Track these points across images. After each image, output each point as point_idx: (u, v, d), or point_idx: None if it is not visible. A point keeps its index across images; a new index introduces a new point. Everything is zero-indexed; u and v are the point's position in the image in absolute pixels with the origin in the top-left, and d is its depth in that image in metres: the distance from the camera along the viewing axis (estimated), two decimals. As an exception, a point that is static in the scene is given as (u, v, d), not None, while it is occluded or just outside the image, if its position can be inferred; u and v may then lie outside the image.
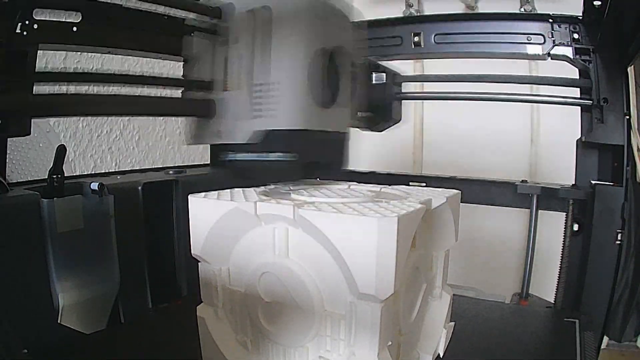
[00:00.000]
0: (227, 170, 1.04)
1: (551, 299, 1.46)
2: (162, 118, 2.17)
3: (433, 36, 1.58)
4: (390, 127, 1.63)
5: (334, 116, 1.00)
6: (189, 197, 0.82)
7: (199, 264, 0.83)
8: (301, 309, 0.72)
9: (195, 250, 0.81)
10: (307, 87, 0.92)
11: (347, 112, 1.06)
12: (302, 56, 0.92)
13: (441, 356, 0.94)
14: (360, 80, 1.23)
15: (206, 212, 0.79)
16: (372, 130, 1.54)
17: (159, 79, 1.10)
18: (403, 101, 1.66)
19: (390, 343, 0.71)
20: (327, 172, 1.09)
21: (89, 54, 1.64)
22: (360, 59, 1.12)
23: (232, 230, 0.78)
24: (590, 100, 1.40)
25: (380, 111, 1.58)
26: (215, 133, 1.01)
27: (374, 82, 1.54)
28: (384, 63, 1.59)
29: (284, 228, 0.73)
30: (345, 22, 1.04)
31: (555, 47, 1.45)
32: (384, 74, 1.54)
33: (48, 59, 1.35)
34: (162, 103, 0.97)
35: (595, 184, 1.39)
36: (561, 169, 1.69)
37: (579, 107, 1.46)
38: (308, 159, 0.97)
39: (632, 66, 1.33)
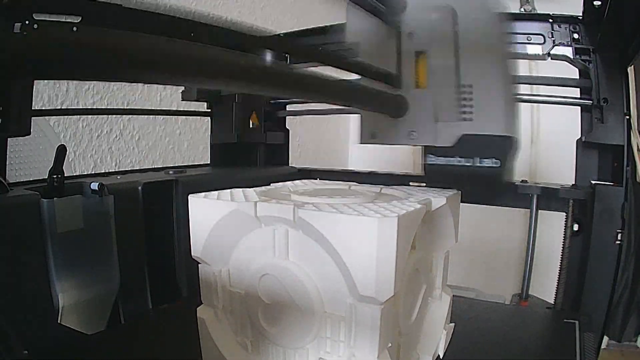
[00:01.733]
0: (434, 175, 0.98)
1: (551, 299, 1.46)
2: (162, 117, 2.18)
3: (433, 36, 1.58)
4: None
5: (516, 123, 0.97)
6: (189, 197, 0.82)
7: (199, 265, 0.83)
8: (301, 311, 0.72)
9: (196, 252, 0.81)
10: (507, 91, 0.90)
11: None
12: (503, 59, 0.91)
13: (441, 357, 0.94)
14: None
15: (206, 213, 0.79)
16: None
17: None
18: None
19: (390, 344, 0.71)
20: (509, 177, 1.00)
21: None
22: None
23: (232, 231, 0.78)
24: (590, 100, 1.41)
25: None
26: (406, 133, 0.95)
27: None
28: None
29: (283, 230, 0.73)
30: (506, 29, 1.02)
31: (555, 47, 1.45)
32: None
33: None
34: (360, 91, 0.84)
35: (595, 184, 1.39)
36: (561, 169, 1.70)
37: (579, 107, 1.46)
38: (511, 165, 0.94)
39: (632, 66, 1.33)
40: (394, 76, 0.94)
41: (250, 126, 1.88)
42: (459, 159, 0.92)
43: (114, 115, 1.97)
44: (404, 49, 0.94)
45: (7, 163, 1.21)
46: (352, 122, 2.77)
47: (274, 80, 0.62)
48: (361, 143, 1.01)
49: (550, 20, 1.44)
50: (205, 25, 1.45)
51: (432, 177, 0.97)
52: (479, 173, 0.91)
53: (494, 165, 0.90)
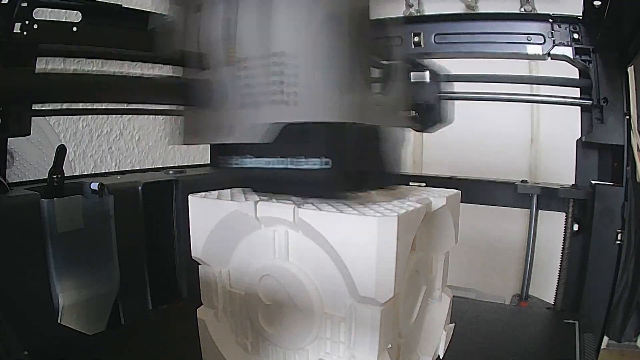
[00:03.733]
0: (235, 180, 0.77)
1: (551, 299, 1.46)
2: (162, 118, 2.17)
3: (433, 36, 1.58)
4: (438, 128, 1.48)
5: (384, 105, 0.73)
6: (189, 197, 0.81)
7: (199, 266, 0.83)
8: (301, 312, 0.72)
9: (196, 253, 0.81)
10: (336, 62, 0.62)
11: (401, 100, 0.79)
12: (325, 14, 0.61)
13: (441, 358, 0.94)
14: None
15: (206, 213, 0.79)
16: (420, 131, 1.43)
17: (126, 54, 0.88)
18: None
19: (390, 345, 0.71)
20: (379, 184, 0.79)
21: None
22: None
23: (232, 232, 0.78)
24: (590, 100, 1.41)
25: (429, 111, 1.40)
26: (214, 128, 0.71)
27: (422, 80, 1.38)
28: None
29: (284, 231, 0.73)
30: None
31: (555, 47, 1.45)
32: (428, 72, 1.40)
33: (48, 59, 1.35)
34: (131, 84, 0.69)
35: (595, 184, 1.39)
36: (561, 169, 1.69)
37: (579, 107, 1.46)
38: (349, 167, 0.66)
39: (632, 66, 1.33)
40: (193, 55, 0.71)
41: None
42: (280, 159, 0.67)
43: (114, 115, 1.97)
44: (210, 19, 0.69)
45: (7, 163, 1.21)
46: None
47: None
48: (184, 144, 0.81)
49: (550, 20, 1.44)
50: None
51: (254, 184, 0.78)
52: (302, 177, 0.66)
53: (323, 166, 0.64)
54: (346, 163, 0.65)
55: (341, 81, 0.62)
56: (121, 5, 1.35)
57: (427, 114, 1.39)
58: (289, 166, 0.66)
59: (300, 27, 0.62)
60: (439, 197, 0.83)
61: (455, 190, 0.93)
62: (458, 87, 1.63)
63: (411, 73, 1.34)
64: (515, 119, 2.16)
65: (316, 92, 0.61)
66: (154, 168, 1.82)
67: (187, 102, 0.73)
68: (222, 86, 0.69)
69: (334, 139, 0.63)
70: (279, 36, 0.63)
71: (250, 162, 0.70)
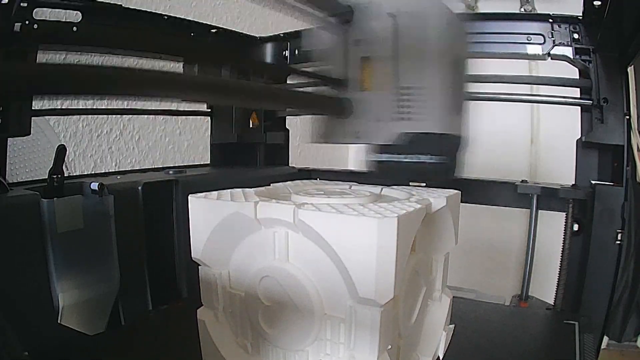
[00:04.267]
0: (377, 171, 1.04)
1: (551, 300, 1.46)
2: (162, 117, 2.18)
3: (433, 36, 1.58)
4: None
5: (460, 121, 1.04)
6: (189, 197, 0.82)
7: (199, 266, 0.83)
8: (301, 313, 0.72)
9: (196, 254, 0.81)
10: (450, 93, 0.96)
11: (467, 115, 1.09)
12: (446, 62, 0.95)
13: (441, 358, 0.94)
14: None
15: (206, 214, 0.79)
16: None
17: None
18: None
19: (390, 346, 0.71)
20: (451, 175, 1.06)
21: (89, 53, 1.64)
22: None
23: (232, 233, 0.78)
24: (590, 100, 1.40)
25: None
26: (352, 133, 1.01)
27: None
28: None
29: (284, 232, 0.73)
30: (462, 30, 1.08)
31: (555, 47, 1.45)
32: None
33: (48, 59, 1.35)
34: (301, 97, 0.94)
35: (595, 184, 1.39)
36: (561, 169, 1.69)
37: (579, 107, 1.46)
38: (451, 161, 1.01)
39: (632, 66, 1.33)
40: (341, 81, 1.01)
41: (250, 126, 1.88)
42: (406, 155, 0.98)
43: (114, 115, 1.97)
44: (351, 55, 1.01)
45: (7, 163, 1.21)
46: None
47: (226, 92, 0.72)
48: (313, 142, 1.07)
49: (550, 20, 1.44)
50: (202, 25, 1.47)
51: (374, 173, 1.04)
52: (422, 168, 0.98)
53: (441, 161, 0.97)
54: (453, 159, 0.99)
55: (446, 106, 0.95)
56: (121, 5, 1.35)
57: None
58: (420, 160, 0.98)
59: (418, 70, 0.94)
60: (439, 198, 0.83)
61: (455, 191, 0.93)
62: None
63: None
64: (515, 119, 2.16)
65: (431, 113, 0.95)
66: (154, 168, 1.82)
67: (336, 113, 1.00)
68: (363, 104, 0.99)
69: (447, 143, 0.97)
70: (408, 75, 0.95)
71: (390, 157, 1.00)
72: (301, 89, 1.05)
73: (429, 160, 0.98)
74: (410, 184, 1.20)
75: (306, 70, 1.11)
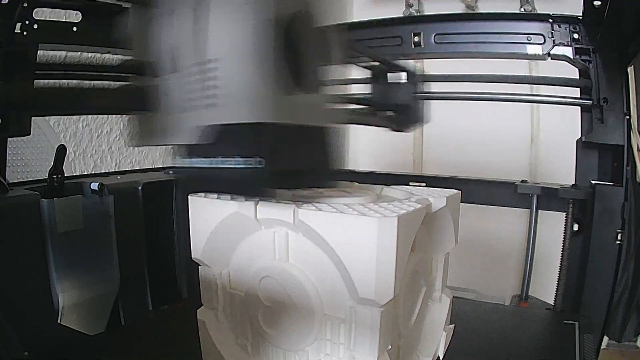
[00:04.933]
0: (178, 180, 0.80)
1: (551, 300, 1.46)
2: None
3: (433, 36, 1.58)
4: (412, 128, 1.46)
5: (306, 105, 0.73)
6: (189, 197, 0.81)
7: (199, 267, 0.83)
8: (301, 313, 0.72)
9: (196, 254, 0.81)
10: (259, 66, 0.65)
11: (324, 99, 0.79)
12: (250, 22, 0.65)
13: (441, 358, 0.94)
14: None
15: (206, 214, 0.79)
16: (396, 131, 1.43)
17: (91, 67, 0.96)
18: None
19: (390, 347, 0.71)
20: (314, 183, 0.80)
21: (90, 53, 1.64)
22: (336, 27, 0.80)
23: (232, 233, 0.78)
24: (590, 100, 1.40)
25: (404, 111, 1.38)
26: (160, 131, 0.75)
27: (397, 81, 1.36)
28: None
29: (283, 232, 0.73)
30: None
31: (555, 47, 1.45)
32: (404, 73, 1.44)
33: (48, 59, 1.35)
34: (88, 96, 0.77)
35: (595, 184, 1.39)
36: (561, 169, 1.69)
37: (579, 107, 1.46)
38: (280, 165, 0.68)
39: (632, 66, 1.33)
40: (140, 65, 0.75)
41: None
42: (212, 159, 0.69)
43: (114, 115, 1.97)
44: (161, 28, 0.73)
45: (7, 163, 1.21)
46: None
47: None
48: (134, 146, 0.86)
49: (550, 20, 1.44)
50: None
51: (184, 184, 0.82)
52: (234, 176, 0.68)
53: (257, 165, 0.65)
54: (278, 162, 0.67)
55: (264, 84, 0.64)
56: (121, 5, 1.35)
57: (403, 114, 1.36)
58: (226, 165, 0.68)
59: (224, 34, 0.66)
60: (439, 198, 0.83)
61: (455, 191, 0.92)
62: (458, 87, 1.64)
63: (388, 74, 1.32)
64: (515, 119, 2.16)
65: (240, 95, 0.65)
66: (154, 168, 1.82)
67: (140, 108, 0.76)
68: (168, 92, 0.73)
69: (265, 138, 0.65)
70: (210, 43, 0.67)
71: (194, 162, 0.72)
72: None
73: (239, 164, 0.67)
74: (410, 184, 1.20)
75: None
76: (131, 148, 2.07)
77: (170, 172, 0.70)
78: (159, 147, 2.20)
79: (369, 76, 1.32)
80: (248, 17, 0.64)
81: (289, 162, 0.70)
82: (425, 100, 1.48)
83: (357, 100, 1.31)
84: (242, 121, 0.64)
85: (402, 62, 1.41)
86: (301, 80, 0.71)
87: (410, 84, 1.37)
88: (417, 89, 1.41)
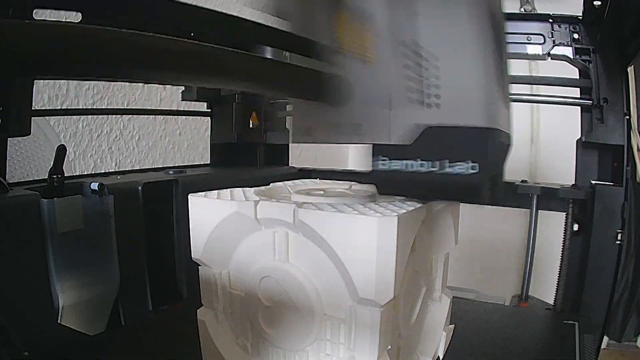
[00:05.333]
0: (385, 185, 0.70)
1: (551, 300, 1.47)
2: (162, 117, 2.18)
3: (433, 36, 1.58)
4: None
5: (507, 112, 0.71)
6: (189, 196, 0.81)
7: (199, 267, 0.83)
8: (301, 313, 0.72)
9: (196, 254, 0.81)
10: (486, 68, 0.61)
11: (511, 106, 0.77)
12: (480, 19, 0.59)
13: (441, 358, 0.94)
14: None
15: (206, 213, 0.79)
16: None
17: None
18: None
19: (389, 347, 0.71)
20: (497, 191, 0.73)
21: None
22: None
23: (232, 233, 0.78)
24: (590, 100, 1.41)
25: None
26: (351, 127, 0.69)
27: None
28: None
29: (284, 232, 0.73)
30: None
31: (555, 47, 1.45)
32: None
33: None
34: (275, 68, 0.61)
35: (595, 184, 1.39)
36: (561, 169, 1.70)
37: (579, 107, 1.46)
38: (494, 171, 0.66)
39: (632, 66, 1.33)
40: (327, 48, 0.66)
41: (250, 126, 1.87)
42: (421, 162, 0.65)
43: (114, 115, 1.97)
44: (342, 11, 0.66)
45: (7, 163, 1.21)
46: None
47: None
48: (293, 142, 0.80)
49: (550, 20, 1.45)
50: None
51: (384, 187, 0.73)
52: (447, 182, 0.64)
53: (471, 171, 0.62)
54: (491, 168, 0.63)
55: (489, 87, 0.61)
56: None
57: None
58: (434, 170, 0.65)
59: (444, 29, 0.61)
60: (439, 198, 0.83)
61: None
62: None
63: None
64: (515, 119, 2.16)
65: (468, 98, 0.61)
66: (154, 168, 1.82)
67: (321, 97, 0.69)
68: (365, 83, 0.67)
69: (481, 144, 0.61)
70: (428, 38, 0.61)
71: (397, 165, 0.68)
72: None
73: (455, 170, 0.63)
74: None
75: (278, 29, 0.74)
76: (131, 148, 2.07)
77: (373, 172, 0.63)
78: (163, 147, 2.21)
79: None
80: (471, 14, 0.60)
81: (496, 168, 0.68)
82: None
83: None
84: (471, 125, 0.61)
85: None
86: (507, 86, 0.69)
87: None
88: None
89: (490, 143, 0.62)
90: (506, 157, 0.75)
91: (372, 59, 0.65)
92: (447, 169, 0.63)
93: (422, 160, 0.65)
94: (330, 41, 0.67)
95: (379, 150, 0.69)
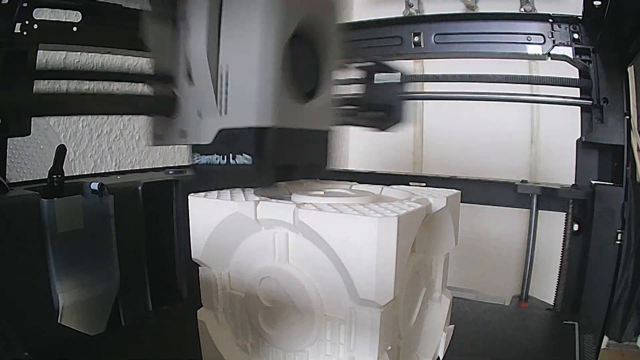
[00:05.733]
0: (194, 176, 0.86)
1: (551, 300, 1.47)
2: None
3: (433, 36, 1.58)
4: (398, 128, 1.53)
5: (313, 111, 0.83)
6: (189, 196, 0.81)
7: (200, 267, 0.83)
8: (301, 314, 0.72)
9: (196, 254, 0.81)
10: (265, 73, 0.73)
11: (331, 106, 0.89)
12: (267, 38, 0.72)
13: (441, 359, 0.94)
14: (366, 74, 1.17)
15: (206, 214, 0.79)
16: (381, 131, 1.45)
17: (114, 74, 1.03)
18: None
19: (389, 347, 0.71)
20: (308, 175, 0.93)
21: (90, 53, 1.64)
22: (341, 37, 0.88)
23: (232, 234, 0.78)
24: (590, 100, 1.41)
25: (391, 111, 1.40)
26: (179, 132, 0.85)
27: (386, 81, 1.37)
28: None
29: (284, 233, 0.73)
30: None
31: (555, 47, 1.46)
32: (399, 73, 1.48)
33: (48, 59, 1.35)
34: (120, 100, 0.82)
35: (595, 184, 1.39)
36: (561, 169, 1.70)
37: (579, 107, 1.46)
38: (279, 162, 0.79)
39: (632, 66, 1.33)
40: (166, 76, 0.83)
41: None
42: (217, 156, 0.80)
43: (114, 115, 1.97)
44: (179, 42, 0.81)
45: (7, 163, 1.21)
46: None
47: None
48: (151, 145, 0.94)
49: (550, 20, 1.45)
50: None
51: (199, 178, 0.86)
52: (233, 171, 0.78)
53: (246, 162, 0.76)
54: (265, 159, 0.76)
55: (268, 91, 0.74)
56: (121, 5, 1.35)
57: (388, 115, 1.37)
58: (224, 163, 0.79)
59: (234, 41, 0.75)
60: (439, 198, 0.83)
61: (455, 191, 0.92)
62: (458, 87, 1.64)
63: (375, 74, 1.33)
64: (515, 119, 2.16)
65: (247, 101, 0.75)
66: (154, 168, 1.82)
67: (158, 113, 0.86)
68: (184, 99, 0.83)
69: (256, 139, 0.75)
70: (222, 51, 0.76)
71: (205, 160, 0.82)
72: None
73: (239, 162, 0.77)
74: (410, 184, 1.20)
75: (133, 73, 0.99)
76: (131, 148, 2.07)
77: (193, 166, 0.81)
78: (163, 147, 2.21)
79: (357, 77, 1.32)
80: (255, 25, 0.72)
81: (286, 158, 0.81)
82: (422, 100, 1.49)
83: (346, 101, 1.31)
84: (246, 125, 0.75)
85: (390, 63, 1.42)
86: (315, 89, 0.83)
87: (397, 85, 1.39)
88: (404, 89, 1.43)
89: (265, 139, 0.75)
90: (314, 149, 0.88)
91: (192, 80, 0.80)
92: (231, 160, 0.78)
93: (217, 154, 0.80)
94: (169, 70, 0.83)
95: (195, 149, 0.84)
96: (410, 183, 1.45)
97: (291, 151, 0.81)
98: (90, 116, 1.88)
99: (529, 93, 1.70)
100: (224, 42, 0.76)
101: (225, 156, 0.78)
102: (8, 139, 1.21)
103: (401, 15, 2.14)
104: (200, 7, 0.76)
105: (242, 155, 0.76)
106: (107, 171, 1.81)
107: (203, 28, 0.75)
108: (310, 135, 0.85)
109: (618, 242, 1.31)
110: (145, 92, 0.88)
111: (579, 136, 1.46)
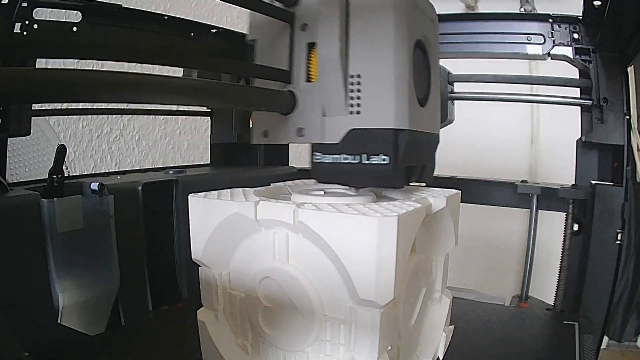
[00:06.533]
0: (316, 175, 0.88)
1: (551, 300, 1.47)
2: (162, 117, 2.18)
3: (433, 36, 1.58)
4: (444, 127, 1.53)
5: (428, 116, 0.89)
6: (189, 196, 0.81)
7: (200, 267, 0.83)
8: (301, 314, 0.72)
9: (196, 255, 0.81)
10: (408, 81, 0.79)
11: (439, 111, 0.98)
12: (402, 45, 0.78)
13: (441, 359, 0.94)
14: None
15: (206, 215, 0.79)
16: None
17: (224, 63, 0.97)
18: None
19: (389, 347, 0.71)
20: (420, 178, 0.93)
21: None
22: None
23: (232, 234, 0.78)
24: (590, 100, 1.41)
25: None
26: (296, 131, 0.86)
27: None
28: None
29: (284, 233, 0.73)
30: (431, 12, 0.94)
31: (555, 47, 1.46)
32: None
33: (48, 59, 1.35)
34: (235, 92, 0.79)
35: (595, 184, 1.39)
36: (561, 169, 1.70)
37: (579, 107, 1.46)
38: (409, 163, 0.83)
39: (632, 66, 1.33)
40: (283, 72, 0.87)
41: (250, 126, 1.87)
42: (346, 156, 0.82)
43: (114, 115, 1.97)
44: (296, 42, 0.86)
45: (7, 163, 1.21)
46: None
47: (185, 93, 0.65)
48: (252, 143, 0.96)
49: (550, 20, 1.45)
50: (202, 25, 1.43)
51: (320, 176, 0.88)
52: (366, 170, 0.81)
53: (382, 162, 0.79)
54: (403, 160, 0.80)
55: (400, 96, 0.78)
56: (121, 5, 1.35)
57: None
58: (355, 162, 0.81)
59: (367, 54, 0.79)
60: (438, 198, 0.83)
61: (455, 191, 0.92)
62: (458, 87, 1.63)
63: None
64: (515, 119, 2.16)
65: (382, 105, 0.78)
66: (154, 168, 1.82)
67: (276, 109, 0.86)
68: (309, 98, 0.84)
69: (392, 141, 0.78)
70: (356, 62, 0.80)
71: (326, 159, 0.84)
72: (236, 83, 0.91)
73: (372, 161, 0.80)
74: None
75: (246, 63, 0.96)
76: (131, 148, 2.07)
77: (310, 165, 0.87)
78: (163, 147, 2.21)
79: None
80: (389, 33, 0.78)
81: (414, 160, 0.85)
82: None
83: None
84: (384, 127, 0.78)
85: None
86: (429, 95, 0.89)
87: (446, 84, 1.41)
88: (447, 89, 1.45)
89: (400, 140, 0.78)
90: (429, 151, 0.95)
91: (313, 79, 0.84)
92: (365, 160, 0.80)
93: (346, 154, 0.81)
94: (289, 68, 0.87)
95: (316, 148, 0.85)
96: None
97: (417, 153, 0.86)
98: (90, 116, 1.88)
99: (529, 93, 1.70)
100: (354, 48, 0.80)
101: (358, 156, 0.81)
102: (8, 139, 1.21)
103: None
104: (330, 17, 0.80)
105: (378, 155, 0.79)
106: (107, 171, 1.81)
107: (335, 36, 0.80)
108: (426, 138, 0.89)
109: (618, 242, 1.31)
110: (262, 87, 0.87)
111: (579, 136, 1.46)
